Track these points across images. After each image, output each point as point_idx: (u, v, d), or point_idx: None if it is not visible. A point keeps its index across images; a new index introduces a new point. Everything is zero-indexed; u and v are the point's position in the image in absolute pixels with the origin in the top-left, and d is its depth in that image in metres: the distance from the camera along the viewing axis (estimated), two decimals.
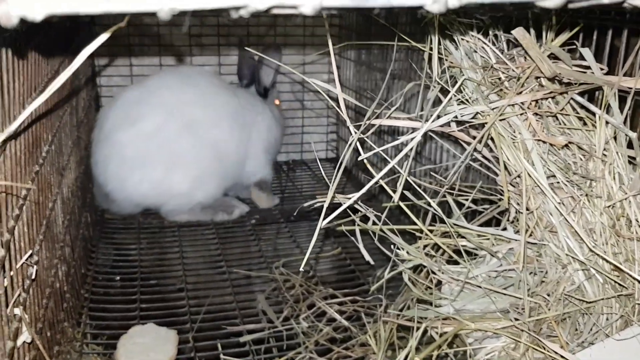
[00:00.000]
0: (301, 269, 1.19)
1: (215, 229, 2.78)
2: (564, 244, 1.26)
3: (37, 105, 0.80)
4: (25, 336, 1.12)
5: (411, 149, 1.19)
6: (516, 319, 1.23)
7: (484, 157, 1.40)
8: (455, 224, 1.38)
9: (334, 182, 1.18)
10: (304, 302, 2.11)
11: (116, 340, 1.85)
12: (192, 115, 2.72)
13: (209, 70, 3.26)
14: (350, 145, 1.20)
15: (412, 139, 1.18)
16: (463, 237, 1.55)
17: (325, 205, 1.19)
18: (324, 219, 1.24)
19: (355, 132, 1.23)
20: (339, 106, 1.27)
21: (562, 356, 1.11)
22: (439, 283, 1.64)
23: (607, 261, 1.19)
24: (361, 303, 2.09)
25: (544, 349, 1.16)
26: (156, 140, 2.65)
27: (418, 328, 1.36)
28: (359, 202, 1.50)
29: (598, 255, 1.21)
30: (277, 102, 3.23)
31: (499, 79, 1.31)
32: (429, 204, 1.40)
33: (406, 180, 1.42)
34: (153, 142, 2.65)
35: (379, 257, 2.54)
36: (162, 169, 2.67)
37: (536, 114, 1.25)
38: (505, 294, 1.31)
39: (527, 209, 1.27)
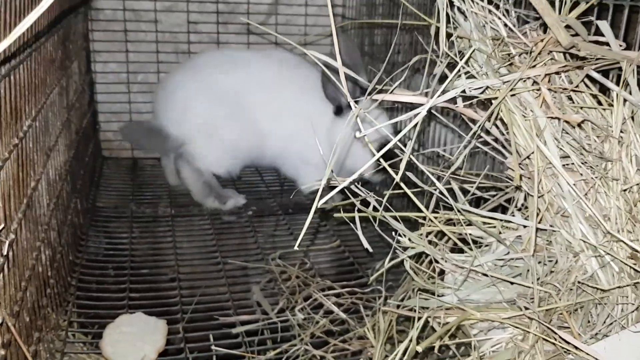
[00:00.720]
0: (296, 247, 1.10)
1: (211, 220, 2.69)
2: (577, 230, 1.18)
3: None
4: None
5: (415, 126, 1.10)
6: (526, 308, 1.14)
7: (493, 138, 1.31)
8: (464, 210, 1.29)
9: (331, 160, 1.10)
10: (300, 294, 2.03)
11: (103, 330, 1.77)
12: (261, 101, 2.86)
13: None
14: (350, 120, 1.11)
15: (416, 115, 1.10)
16: (468, 225, 1.47)
17: (322, 183, 1.10)
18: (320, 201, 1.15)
19: (356, 107, 1.15)
20: (339, 80, 1.18)
21: (575, 347, 1.03)
22: (442, 273, 1.56)
23: (627, 244, 1.10)
24: (359, 295, 2.01)
25: (555, 339, 1.07)
26: (240, 95, 2.84)
27: (419, 318, 1.27)
28: (359, 186, 1.42)
29: (616, 238, 1.12)
30: None
31: (509, 54, 1.23)
32: (433, 189, 1.32)
33: (408, 164, 1.34)
34: (240, 94, 2.83)
35: (380, 250, 2.47)
36: (229, 119, 2.84)
37: (549, 89, 1.17)
38: (513, 283, 1.23)
39: (539, 192, 1.19)
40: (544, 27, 1.26)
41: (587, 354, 1.02)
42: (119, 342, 1.70)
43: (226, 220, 2.73)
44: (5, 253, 1.09)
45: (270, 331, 1.87)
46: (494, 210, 1.53)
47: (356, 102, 2.67)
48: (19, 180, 1.32)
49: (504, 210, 1.53)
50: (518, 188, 1.30)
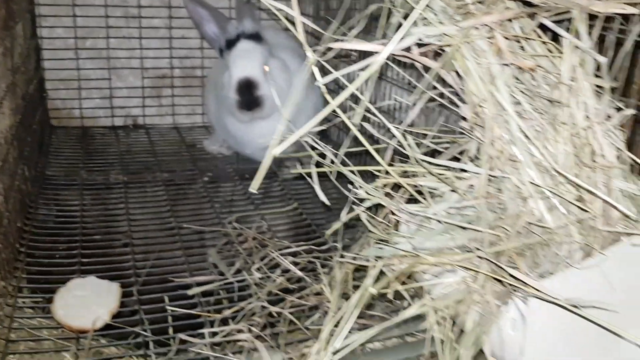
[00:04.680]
0: (252, 189, 1.07)
1: (165, 186, 2.65)
2: (526, 174, 1.21)
3: None
4: None
5: (373, 73, 1.10)
6: (477, 249, 1.17)
7: (451, 91, 1.32)
8: (421, 160, 1.30)
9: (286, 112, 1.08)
10: (257, 254, 2.02)
11: (54, 294, 1.73)
12: None
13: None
14: (307, 68, 1.10)
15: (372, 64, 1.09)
16: (422, 176, 1.49)
17: (278, 133, 1.09)
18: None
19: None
20: (295, 28, 1.17)
21: (524, 283, 1.06)
22: (397, 226, 1.58)
23: (574, 182, 1.13)
24: (316, 254, 2.01)
25: (504, 278, 1.10)
26: None
27: (374, 266, 1.29)
28: (316, 139, 1.42)
29: (564, 179, 1.15)
30: (265, 67, 2.53)
31: (464, 3, 1.23)
32: (388, 139, 1.32)
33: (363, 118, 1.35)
34: None
35: (339, 212, 2.47)
36: None
37: (504, 37, 1.18)
38: (463, 227, 1.25)
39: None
40: None
41: (535, 289, 1.05)
42: (71, 306, 1.67)
43: (181, 185, 2.68)
44: None
45: (226, 291, 1.86)
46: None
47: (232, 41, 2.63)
48: None
49: (458, 162, 1.55)
50: (470, 138, 1.32)
